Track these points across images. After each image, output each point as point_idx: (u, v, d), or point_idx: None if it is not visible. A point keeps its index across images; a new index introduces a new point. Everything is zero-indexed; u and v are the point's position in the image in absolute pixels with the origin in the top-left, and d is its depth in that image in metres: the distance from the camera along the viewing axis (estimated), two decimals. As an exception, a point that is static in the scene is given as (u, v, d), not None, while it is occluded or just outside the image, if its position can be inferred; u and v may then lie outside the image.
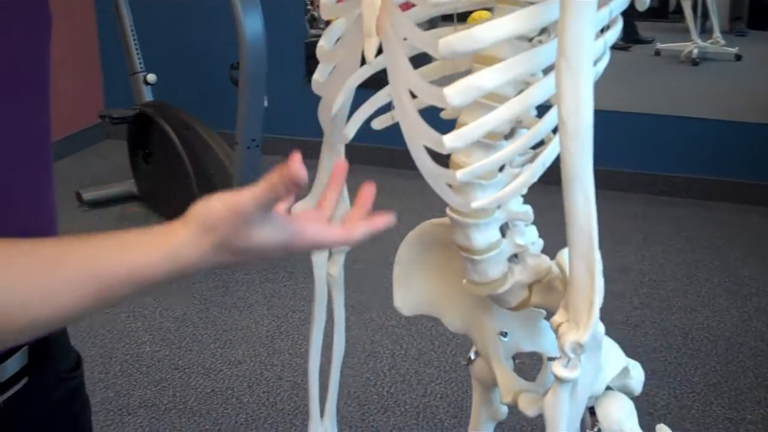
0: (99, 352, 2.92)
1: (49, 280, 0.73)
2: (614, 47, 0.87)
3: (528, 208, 0.94)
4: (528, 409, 0.97)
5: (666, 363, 2.82)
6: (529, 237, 0.95)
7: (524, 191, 0.87)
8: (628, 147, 4.29)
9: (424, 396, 2.66)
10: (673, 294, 3.30)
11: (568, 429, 0.81)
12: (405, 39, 0.76)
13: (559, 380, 0.79)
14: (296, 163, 0.67)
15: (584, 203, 0.74)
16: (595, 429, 0.91)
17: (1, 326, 0.72)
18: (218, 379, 2.76)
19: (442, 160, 0.87)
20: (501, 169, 0.88)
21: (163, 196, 3.87)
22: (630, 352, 3.03)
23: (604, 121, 4.58)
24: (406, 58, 0.77)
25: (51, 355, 0.99)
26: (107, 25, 4.05)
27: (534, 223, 0.98)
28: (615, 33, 0.83)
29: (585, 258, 0.76)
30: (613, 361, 0.93)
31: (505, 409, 1.17)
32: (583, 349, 0.77)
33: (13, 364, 0.92)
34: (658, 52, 4.56)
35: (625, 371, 0.95)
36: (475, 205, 0.83)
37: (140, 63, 4.00)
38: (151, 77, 3.96)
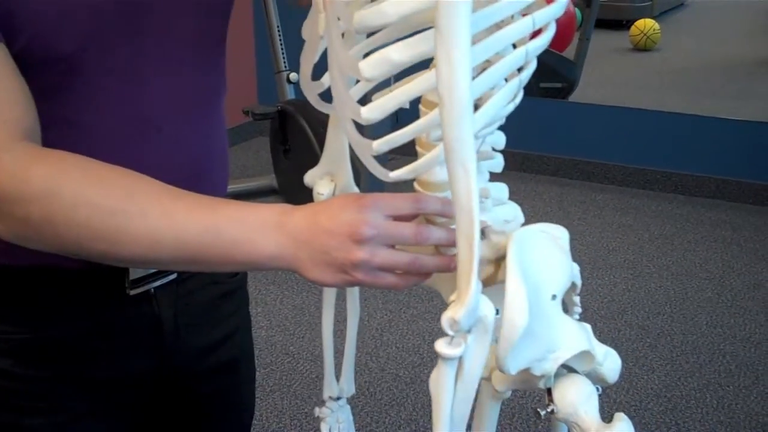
0: (217, 332, 3.06)
1: (174, 205, 0.84)
2: None
3: (493, 186, 0.94)
4: (498, 384, 0.96)
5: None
6: (501, 214, 0.95)
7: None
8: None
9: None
10: (807, 314, 3.12)
11: (455, 410, 0.80)
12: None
13: (441, 357, 0.79)
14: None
15: (464, 177, 0.73)
16: (549, 409, 0.90)
17: (120, 227, 0.81)
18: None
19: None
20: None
21: (299, 191, 3.99)
22: (749, 369, 2.87)
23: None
24: (338, 32, 0.79)
25: None
26: (262, 25, 4.21)
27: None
28: (550, 11, 0.80)
29: (466, 235, 0.75)
30: (569, 343, 0.90)
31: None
32: (460, 326, 0.76)
33: None
34: None
35: (587, 355, 0.91)
36: (392, 175, 0.84)
37: (285, 62, 4.12)
38: (294, 76, 4.05)
